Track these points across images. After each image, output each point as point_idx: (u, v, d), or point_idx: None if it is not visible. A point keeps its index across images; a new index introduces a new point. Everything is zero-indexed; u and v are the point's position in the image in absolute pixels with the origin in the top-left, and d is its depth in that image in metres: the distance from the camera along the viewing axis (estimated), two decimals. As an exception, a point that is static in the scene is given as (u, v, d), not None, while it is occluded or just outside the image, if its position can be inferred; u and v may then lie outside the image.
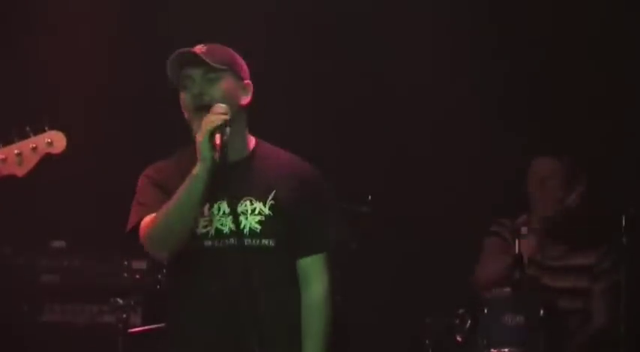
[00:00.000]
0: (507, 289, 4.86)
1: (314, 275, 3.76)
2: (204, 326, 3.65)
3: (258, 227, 3.67)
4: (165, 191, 3.68)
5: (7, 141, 3.72)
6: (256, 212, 3.68)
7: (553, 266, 5.16)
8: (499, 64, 5.95)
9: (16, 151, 3.71)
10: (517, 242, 4.88)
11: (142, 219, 3.68)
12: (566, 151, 5.30)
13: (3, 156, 3.71)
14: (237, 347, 3.56)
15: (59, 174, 5.19)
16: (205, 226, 3.66)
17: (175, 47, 3.73)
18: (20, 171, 3.74)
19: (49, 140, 3.72)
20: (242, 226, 3.64)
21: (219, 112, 3.55)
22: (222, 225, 3.65)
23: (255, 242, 3.66)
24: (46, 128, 3.73)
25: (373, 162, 6.04)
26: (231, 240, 3.63)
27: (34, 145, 3.72)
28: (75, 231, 5.90)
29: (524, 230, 5.16)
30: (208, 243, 3.65)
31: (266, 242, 3.67)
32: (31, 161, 3.73)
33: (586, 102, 5.84)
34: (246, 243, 3.63)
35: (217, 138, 3.50)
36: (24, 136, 3.72)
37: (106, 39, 6.05)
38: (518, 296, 4.80)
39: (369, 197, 5.42)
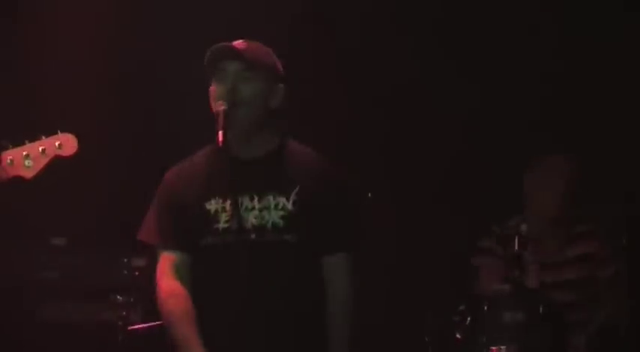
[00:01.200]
0: (507, 286, 4.87)
1: (338, 273, 3.79)
2: (224, 320, 3.65)
3: (281, 222, 3.67)
4: (180, 200, 3.74)
5: (17, 143, 3.70)
6: (279, 207, 3.69)
7: (554, 263, 5.19)
8: (500, 64, 5.97)
9: (24, 153, 3.69)
10: (516, 239, 4.89)
11: (152, 237, 3.80)
12: (568, 149, 5.34)
13: (11, 157, 3.69)
14: (254, 341, 3.59)
15: (59, 171, 5.17)
16: (227, 221, 3.67)
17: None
18: (28, 173, 3.72)
19: (60, 142, 3.70)
20: (265, 221, 3.67)
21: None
22: (244, 220, 3.66)
23: (278, 237, 3.67)
24: (58, 131, 3.71)
25: (373, 160, 6.05)
26: (253, 235, 3.65)
27: (43, 147, 3.69)
28: (75, 228, 5.88)
29: (523, 228, 5.18)
30: (230, 237, 3.66)
31: (288, 237, 3.68)
32: (40, 163, 3.71)
33: (587, 99, 5.87)
34: (268, 238, 3.66)
35: (220, 134, 3.54)
36: (34, 138, 3.70)
37: (110, 37, 6.04)
38: (518, 294, 4.80)
39: (369, 194, 5.42)
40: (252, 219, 3.66)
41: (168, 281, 3.74)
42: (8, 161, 3.69)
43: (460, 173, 6.01)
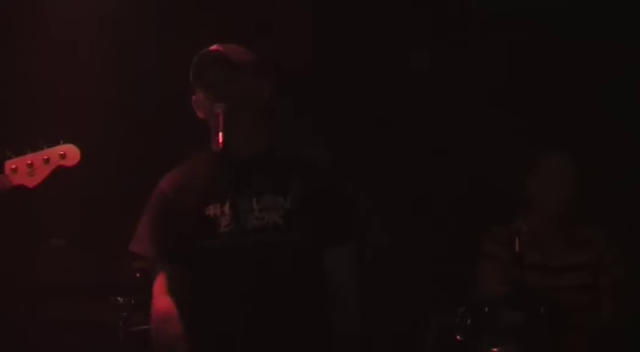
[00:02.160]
0: (508, 287, 4.88)
1: (341, 266, 3.78)
2: (230, 323, 3.64)
3: (282, 221, 3.67)
4: (177, 207, 3.74)
5: (20, 152, 3.72)
6: (279, 206, 3.69)
7: (556, 266, 5.19)
8: (499, 63, 5.97)
9: (28, 162, 3.72)
10: (517, 240, 4.89)
11: (146, 250, 3.82)
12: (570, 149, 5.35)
13: (14, 166, 3.73)
14: (262, 341, 3.60)
15: (59, 172, 5.17)
16: (228, 225, 3.67)
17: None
18: (31, 182, 3.77)
19: (63, 153, 3.74)
20: (266, 221, 3.66)
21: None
22: (245, 222, 3.65)
23: (281, 236, 3.67)
24: (61, 141, 3.73)
25: (373, 160, 6.04)
26: (256, 237, 3.65)
27: (46, 157, 3.73)
28: (75, 229, 5.88)
29: (524, 228, 5.19)
30: (233, 241, 3.66)
31: (291, 235, 3.68)
32: (43, 173, 3.75)
33: (588, 99, 5.87)
34: (271, 238, 3.66)
35: (220, 136, 3.53)
36: (37, 148, 3.72)
37: (107, 43, 6.03)
38: (519, 295, 4.81)
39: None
40: (252, 220, 3.66)
41: (164, 302, 3.78)
42: (12, 170, 3.70)
43: (461, 174, 6.01)
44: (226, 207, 3.66)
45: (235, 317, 3.63)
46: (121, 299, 5.45)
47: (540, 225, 5.25)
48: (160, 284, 3.81)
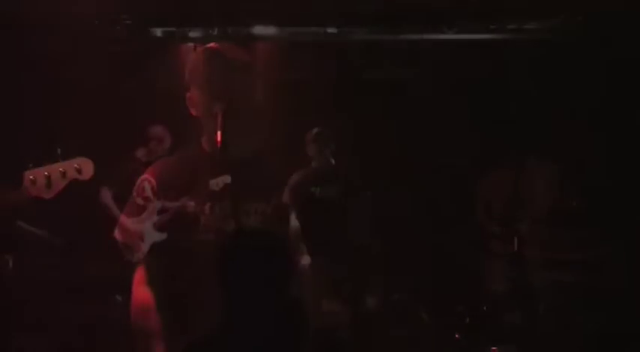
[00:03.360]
0: (505, 286, 4.93)
1: (311, 277, 3.82)
2: (202, 321, 3.64)
3: (260, 226, 3.71)
4: (159, 199, 3.73)
5: (37, 163, 3.72)
6: (259, 212, 3.72)
7: (554, 259, 5.25)
8: (493, 67, 6.00)
9: (45, 173, 3.71)
10: (515, 239, 4.94)
11: (125, 238, 3.84)
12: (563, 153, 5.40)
13: (33, 178, 3.71)
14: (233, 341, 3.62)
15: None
16: (205, 223, 3.70)
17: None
18: (48, 194, 3.76)
19: (78, 166, 3.72)
20: (244, 225, 3.68)
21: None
22: (222, 222, 3.68)
23: (257, 241, 3.62)
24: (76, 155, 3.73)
25: (374, 159, 6.06)
26: (232, 239, 3.60)
27: (62, 170, 3.72)
28: (75, 227, 5.87)
29: (523, 227, 5.25)
30: (210, 240, 3.68)
31: (265, 241, 3.62)
32: (59, 185, 3.74)
33: (585, 102, 5.90)
34: (247, 242, 3.60)
35: (219, 135, 3.55)
36: (53, 158, 3.71)
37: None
38: (517, 293, 4.87)
39: (369, 193, 5.45)
40: (231, 222, 3.67)
41: (143, 293, 3.77)
42: (31, 181, 3.70)
43: (461, 175, 6.05)
44: (207, 206, 3.68)
45: (208, 314, 3.60)
46: (120, 298, 5.44)
47: (537, 223, 5.31)
48: (140, 274, 3.80)
